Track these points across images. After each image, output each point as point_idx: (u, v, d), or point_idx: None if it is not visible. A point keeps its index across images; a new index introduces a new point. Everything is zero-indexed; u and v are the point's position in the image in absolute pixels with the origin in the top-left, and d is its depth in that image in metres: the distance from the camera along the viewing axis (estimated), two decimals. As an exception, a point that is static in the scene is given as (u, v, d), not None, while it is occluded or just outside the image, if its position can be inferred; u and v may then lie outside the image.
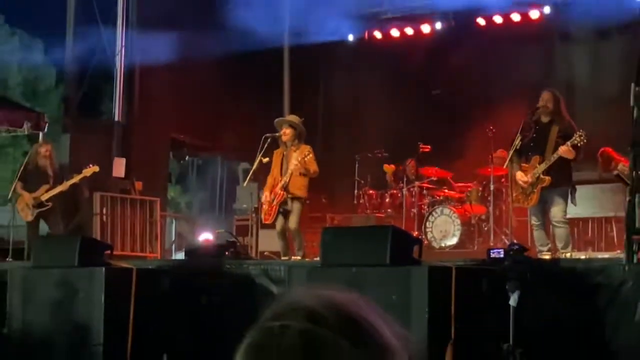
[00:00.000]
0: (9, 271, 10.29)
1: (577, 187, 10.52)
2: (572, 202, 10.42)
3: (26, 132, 16.11)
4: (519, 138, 10.60)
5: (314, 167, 11.52)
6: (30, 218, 13.37)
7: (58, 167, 14.03)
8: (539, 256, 9.91)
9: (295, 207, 11.58)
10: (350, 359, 1.34)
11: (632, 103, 7.86)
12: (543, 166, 10.30)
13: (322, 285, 1.46)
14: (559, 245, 10.34)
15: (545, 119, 10.54)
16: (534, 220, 10.65)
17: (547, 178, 10.24)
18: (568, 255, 10.02)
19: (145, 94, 17.39)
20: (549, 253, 10.06)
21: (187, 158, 19.91)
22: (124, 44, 17.14)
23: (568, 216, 10.62)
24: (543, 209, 10.53)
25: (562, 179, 10.31)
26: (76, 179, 13.74)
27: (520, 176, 10.47)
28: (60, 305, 9.31)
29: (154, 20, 16.91)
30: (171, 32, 17.15)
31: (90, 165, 13.73)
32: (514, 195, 10.78)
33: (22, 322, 9.67)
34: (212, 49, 17.59)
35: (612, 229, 12.97)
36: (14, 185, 13.62)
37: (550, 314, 7.86)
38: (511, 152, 10.75)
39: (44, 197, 13.33)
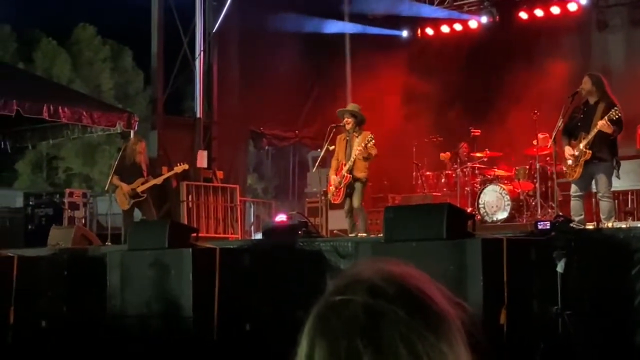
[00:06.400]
0: (108, 254, 10.45)
1: (617, 162, 10.28)
2: (616, 176, 10.16)
3: (119, 131, 16.29)
4: (561, 120, 10.36)
5: (374, 152, 11.45)
6: (126, 207, 13.49)
7: (149, 162, 14.18)
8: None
9: (357, 188, 11.54)
10: (408, 328, 1.31)
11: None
12: (585, 141, 10.04)
13: (382, 259, 1.42)
14: (603, 216, 10.08)
15: (592, 100, 10.18)
16: (573, 191, 10.32)
17: (589, 152, 9.98)
18: (610, 225, 9.80)
19: (223, 93, 17.51)
20: (580, 224, 9.75)
21: (266, 147, 19.93)
22: (202, 49, 17.22)
23: (609, 189, 10.39)
24: (585, 182, 10.27)
25: (605, 154, 9.98)
26: (169, 174, 13.94)
27: (567, 151, 10.20)
28: (153, 283, 9.43)
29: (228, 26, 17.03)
30: (242, 38, 17.25)
31: (180, 164, 13.93)
32: (564, 169, 10.54)
33: (120, 298, 9.80)
34: (281, 53, 17.64)
35: (650, 199, 12.75)
36: (110, 178, 13.76)
37: (594, 279, 7.75)
38: (555, 133, 10.52)
39: (140, 189, 13.46)
